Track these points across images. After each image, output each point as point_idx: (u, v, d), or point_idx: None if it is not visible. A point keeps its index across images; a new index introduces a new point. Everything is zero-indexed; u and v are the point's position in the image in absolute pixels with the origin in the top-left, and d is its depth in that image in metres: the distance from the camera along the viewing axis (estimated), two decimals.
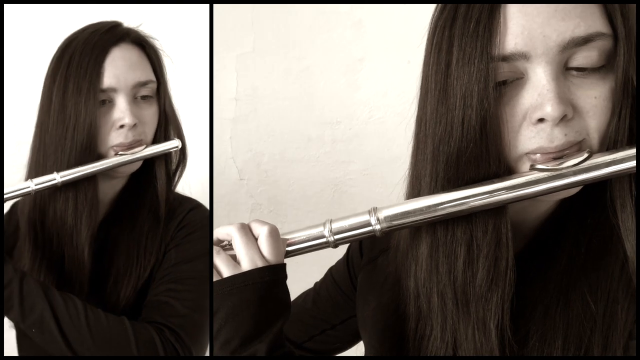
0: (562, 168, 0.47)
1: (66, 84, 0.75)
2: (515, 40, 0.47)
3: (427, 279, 0.56)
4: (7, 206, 0.90)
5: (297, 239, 0.59)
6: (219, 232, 0.61)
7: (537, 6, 0.46)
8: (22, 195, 0.75)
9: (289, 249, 0.59)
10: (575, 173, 0.47)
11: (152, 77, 0.81)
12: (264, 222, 0.59)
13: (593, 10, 0.47)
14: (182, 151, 0.86)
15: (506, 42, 0.47)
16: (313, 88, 1.28)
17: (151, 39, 0.84)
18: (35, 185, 0.74)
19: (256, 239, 0.58)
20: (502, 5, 0.47)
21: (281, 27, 1.29)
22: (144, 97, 0.80)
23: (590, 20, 0.46)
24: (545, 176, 0.48)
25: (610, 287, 0.51)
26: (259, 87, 1.32)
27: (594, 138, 0.48)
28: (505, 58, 0.47)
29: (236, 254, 0.58)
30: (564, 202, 0.55)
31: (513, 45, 0.47)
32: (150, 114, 0.81)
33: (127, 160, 0.77)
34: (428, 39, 0.54)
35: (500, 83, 0.48)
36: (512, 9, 0.47)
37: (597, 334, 0.50)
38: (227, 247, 0.61)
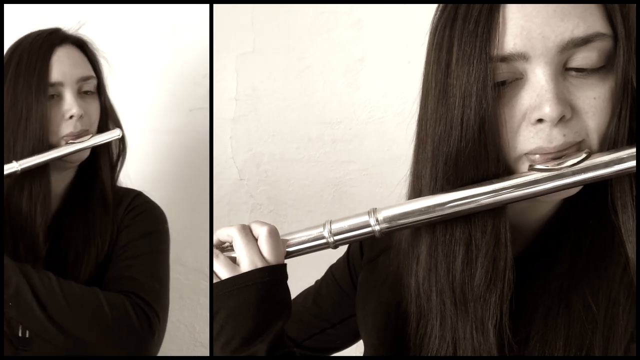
0: (561, 168, 0.47)
1: (16, 81, 0.82)
2: (514, 41, 0.47)
3: (427, 278, 0.56)
4: None
5: (297, 240, 0.59)
6: (220, 234, 0.61)
7: (536, 6, 0.46)
8: None
9: (289, 249, 0.60)
10: (574, 173, 0.47)
11: (93, 73, 0.89)
12: (263, 223, 0.59)
13: (593, 10, 0.47)
14: (122, 142, 0.94)
15: (505, 43, 0.47)
16: (313, 88, 1.28)
17: (89, 42, 0.91)
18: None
19: (257, 240, 0.59)
20: (502, 5, 0.47)
21: (281, 27, 1.29)
22: (86, 92, 0.87)
23: (590, 20, 0.46)
24: (544, 176, 0.48)
25: (611, 289, 0.50)
26: (259, 87, 1.32)
27: (594, 139, 0.48)
28: (504, 58, 0.47)
29: (236, 255, 0.58)
30: (566, 203, 0.55)
31: (512, 46, 0.47)
32: (94, 107, 0.88)
33: (78, 149, 0.84)
34: (429, 39, 0.54)
35: (499, 83, 0.48)
36: (511, 10, 0.47)
37: (598, 336, 0.49)
38: (229, 247, 0.61)
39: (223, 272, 0.57)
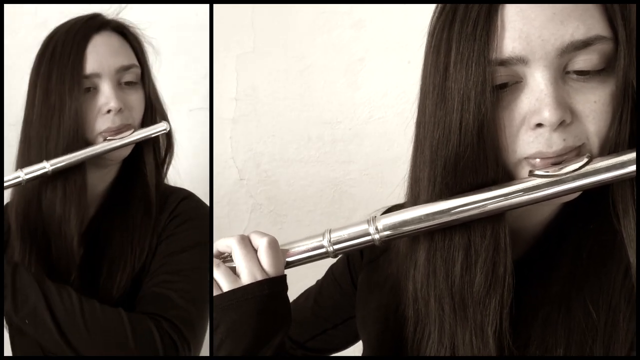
0: (562, 174, 0.47)
1: (50, 74, 0.75)
2: (513, 45, 0.46)
3: (425, 284, 0.55)
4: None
5: (296, 250, 0.59)
6: (219, 245, 0.61)
7: (535, 9, 0.46)
8: (12, 186, 0.74)
9: (289, 259, 0.59)
10: (574, 178, 0.47)
11: (135, 62, 0.81)
12: (263, 234, 0.59)
13: (593, 12, 0.46)
14: (169, 137, 0.85)
15: (504, 46, 0.46)
16: (313, 88, 1.28)
17: (132, 27, 0.84)
18: (25, 174, 0.73)
19: (256, 251, 0.58)
20: (500, 7, 0.47)
21: (281, 27, 1.28)
22: (128, 83, 0.79)
23: (590, 23, 0.45)
24: (545, 182, 0.47)
25: (612, 295, 0.50)
26: (259, 87, 1.32)
27: (594, 142, 0.48)
28: (503, 62, 0.46)
29: (236, 266, 0.58)
30: (566, 207, 0.54)
31: (511, 50, 0.46)
32: (136, 99, 0.80)
33: (116, 146, 0.76)
34: (427, 41, 0.54)
35: (498, 87, 0.47)
36: (510, 12, 0.46)
37: (599, 343, 0.49)
38: (228, 258, 0.60)
39: (224, 282, 0.57)
